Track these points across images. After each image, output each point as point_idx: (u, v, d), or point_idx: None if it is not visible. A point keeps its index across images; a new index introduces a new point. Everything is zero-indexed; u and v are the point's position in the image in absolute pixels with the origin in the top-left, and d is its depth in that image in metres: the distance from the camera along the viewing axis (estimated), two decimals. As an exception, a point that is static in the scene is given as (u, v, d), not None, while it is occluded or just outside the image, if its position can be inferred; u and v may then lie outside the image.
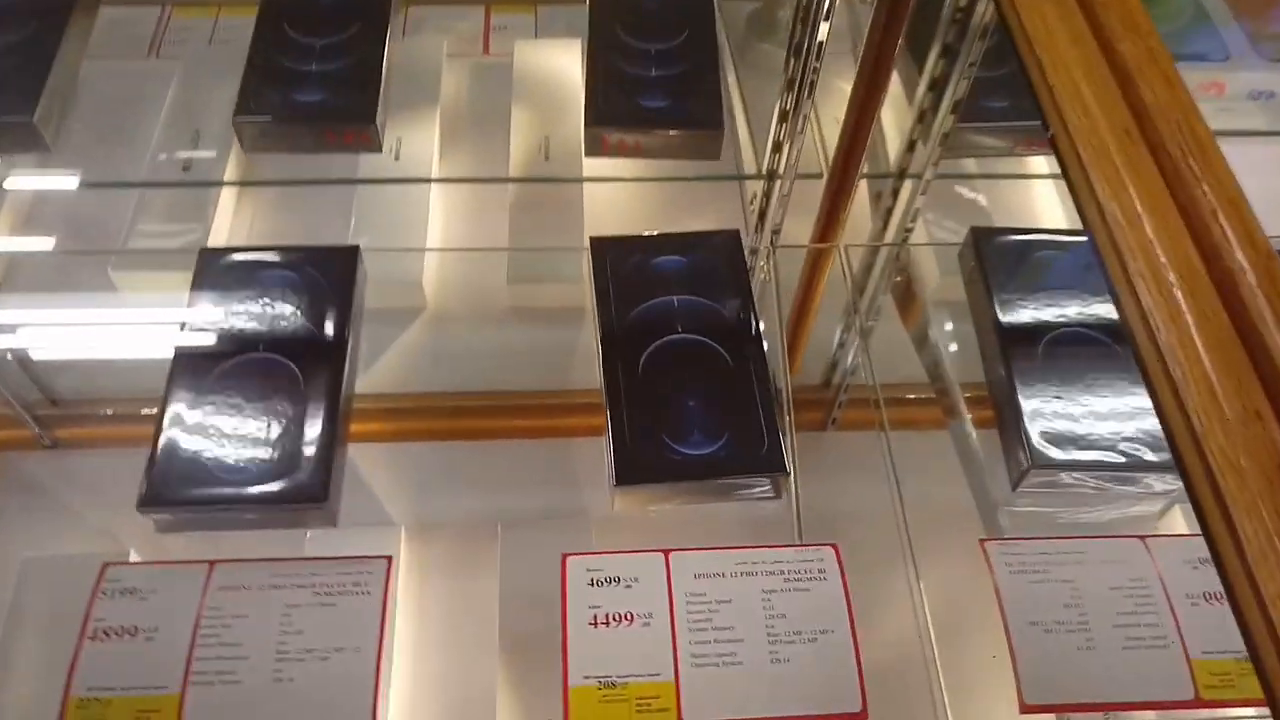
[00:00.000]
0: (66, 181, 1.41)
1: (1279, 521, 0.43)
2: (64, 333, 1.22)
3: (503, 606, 1.10)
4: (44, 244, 1.44)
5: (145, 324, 1.16)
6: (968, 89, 0.99)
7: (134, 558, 1.08)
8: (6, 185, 1.36)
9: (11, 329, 1.23)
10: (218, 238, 1.41)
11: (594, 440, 0.99)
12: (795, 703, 0.78)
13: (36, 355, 1.24)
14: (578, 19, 1.27)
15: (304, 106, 1.09)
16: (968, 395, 1.04)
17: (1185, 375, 0.49)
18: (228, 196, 1.45)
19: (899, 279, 1.13)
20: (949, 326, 1.10)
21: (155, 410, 0.89)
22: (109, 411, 1.21)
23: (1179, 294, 0.51)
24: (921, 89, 1.04)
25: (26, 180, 1.40)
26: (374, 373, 1.31)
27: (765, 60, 1.49)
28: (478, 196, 1.51)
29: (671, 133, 1.10)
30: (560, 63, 1.46)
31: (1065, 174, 0.62)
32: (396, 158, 1.47)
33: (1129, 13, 0.63)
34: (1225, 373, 0.48)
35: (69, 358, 1.27)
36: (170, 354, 0.94)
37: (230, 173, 1.46)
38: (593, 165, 1.42)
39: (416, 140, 1.45)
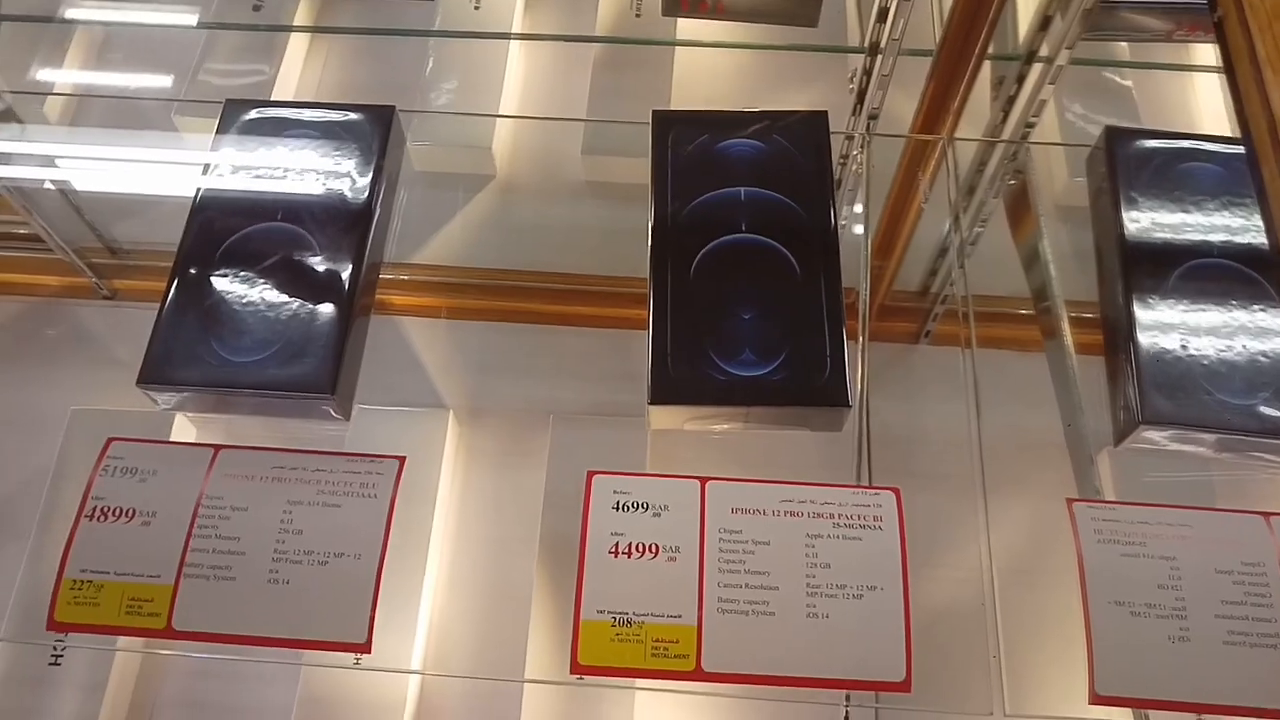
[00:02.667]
0: (132, 15, 1.35)
1: None
2: (120, 177, 1.17)
3: (547, 503, 1.05)
4: (110, 80, 1.39)
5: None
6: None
7: (179, 421, 1.05)
8: (69, 15, 1.30)
9: (67, 168, 1.19)
10: (285, 84, 1.34)
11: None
12: (830, 665, 0.70)
13: (91, 198, 1.20)
14: None
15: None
16: (1079, 327, 0.90)
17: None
18: (299, 42, 1.37)
19: (1013, 182, 0.98)
20: (1066, 242, 0.95)
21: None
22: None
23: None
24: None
25: (92, 13, 1.35)
26: (434, 243, 1.24)
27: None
28: (560, 55, 1.40)
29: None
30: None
31: (1228, 68, 0.53)
32: (476, 7, 1.36)
33: None
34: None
35: (126, 204, 1.22)
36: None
37: (303, 17, 1.37)
38: (686, 30, 1.29)
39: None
